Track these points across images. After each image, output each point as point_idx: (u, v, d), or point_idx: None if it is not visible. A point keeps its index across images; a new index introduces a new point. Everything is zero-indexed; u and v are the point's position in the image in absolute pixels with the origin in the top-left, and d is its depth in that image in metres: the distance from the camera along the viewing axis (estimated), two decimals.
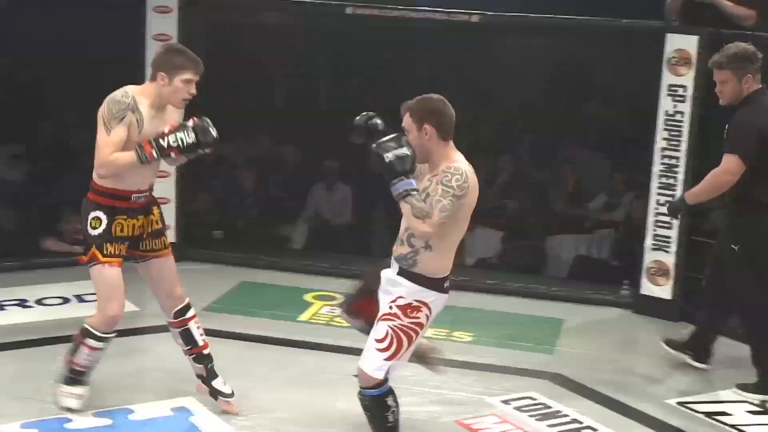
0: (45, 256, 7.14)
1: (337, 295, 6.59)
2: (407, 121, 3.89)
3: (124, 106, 4.15)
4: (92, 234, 4.29)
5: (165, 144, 4.14)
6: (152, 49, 6.94)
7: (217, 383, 4.59)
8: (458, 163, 3.84)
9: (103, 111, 4.18)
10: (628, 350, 6.03)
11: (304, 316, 6.15)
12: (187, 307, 4.58)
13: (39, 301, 6.17)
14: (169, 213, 7.12)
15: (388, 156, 3.75)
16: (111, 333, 4.41)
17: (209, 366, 4.60)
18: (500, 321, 6.30)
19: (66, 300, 6.27)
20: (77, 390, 4.45)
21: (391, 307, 3.93)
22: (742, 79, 4.91)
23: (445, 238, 3.87)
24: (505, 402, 4.92)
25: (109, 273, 4.31)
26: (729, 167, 4.88)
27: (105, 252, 4.29)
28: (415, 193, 3.77)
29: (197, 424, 4.47)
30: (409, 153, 3.76)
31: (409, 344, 3.94)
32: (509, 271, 7.43)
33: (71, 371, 4.44)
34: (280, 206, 8.49)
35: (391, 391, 4.03)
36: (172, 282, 4.55)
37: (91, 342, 4.37)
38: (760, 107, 4.95)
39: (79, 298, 6.31)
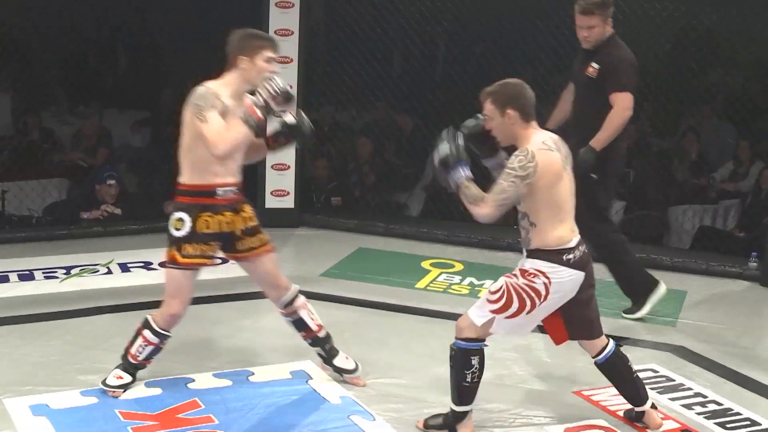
0: (167, 220, 7.29)
1: (455, 263, 6.58)
2: (489, 108, 3.92)
3: (211, 95, 4.11)
4: (174, 235, 4.24)
5: (261, 99, 4.05)
6: (276, 17, 7.03)
7: (338, 361, 4.57)
8: (529, 144, 3.85)
9: (191, 111, 4.14)
10: (754, 323, 5.82)
11: (420, 283, 6.15)
12: (296, 297, 4.52)
13: (163, 264, 6.30)
14: (288, 179, 7.24)
15: (435, 160, 3.97)
16: (168, 332, 4.37)
17: (327, 347, 4.58)
18: (620, 291, 6.15)
19: None
20: (123, 374, 4.40)
21: (513, 270, 3.98)
22: (606, 22, 5.34)
23: (540, 215, 3.88)
24: None
25: (179, 276, 4.28)
26: (626, 104, 5.27)
27: (183, 252, 4.24)
28: (463, 180, 3.94)
29: (315, 387, 4.50)
30: (448, 150, 3.93)
31: (521, 307, 3.89)
32: (630, 241, 7.25)
33: (126, 359, 4.42)
34: (397, 174, 8.49)
35: (480, 353, 3.98)
36: (274, 275, 4.48)
37: (146, 333, 4.35)
38: (623, 46, 5.39)
39: None
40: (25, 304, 5.50)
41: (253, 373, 4.62)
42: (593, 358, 4.17)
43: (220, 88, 4.17)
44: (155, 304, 4.58)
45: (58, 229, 6.99)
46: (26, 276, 6.01)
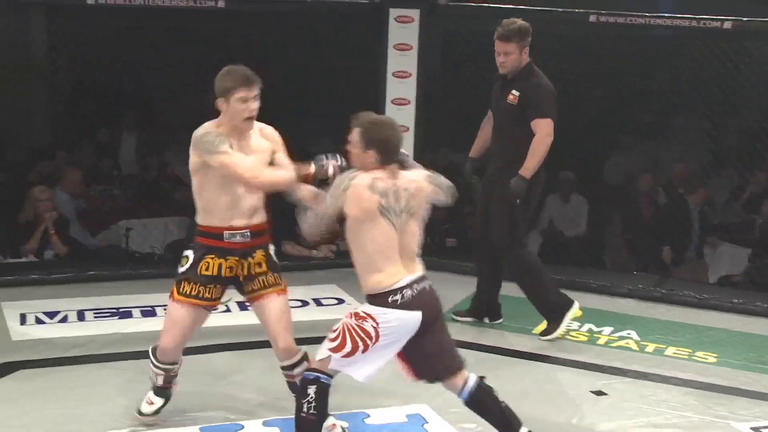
0: (284, 260, 7.32)
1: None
2: (355, 137, 3.92)
3: (215, 133, 4.12)
4: (178, 270, 4.31)
5: (324, 167, 4.18)
6: (394, 59, 7.06)
7: None
8: (363, 176, 3.87)
9: (199, 153, 4.13)
10: None
11: (537, 329, 6.03)
12: (297, 364, 4.38)
13: None
14: None
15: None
16: (166, 364, 4.42)
17: None
18: (747, 342, 5.96)
19: (305, 303, 6.44)
20: (155, 399, 4.48)
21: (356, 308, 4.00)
22: (523, 51, 5.50)
23: (355, 256, 3.92)
24: (755, 429, 4.63)
25: (176, 310, 4.31)
26: (549, 130, 5.48)
27: (180, 290, 4.27)
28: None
29: (431, 431, 4.45)
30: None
31: (354, 348, 3.88)
32: (757, 290, 7.03)
33: (153, 383, 4.51)
34: None
35: (317, 384, 3.95)
36: (280, 327, 4.34)
37: (152, 360, 4.46)
38: (542, 75, 5.60)
39: (317, 302, 6.48)
40: (147, 340, 5.55)
41: (369, 416, 4.60)
42: (458, 396, 4.05)
43: (216, 130, 4.18)
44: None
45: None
46: (148, 312, 6.12)
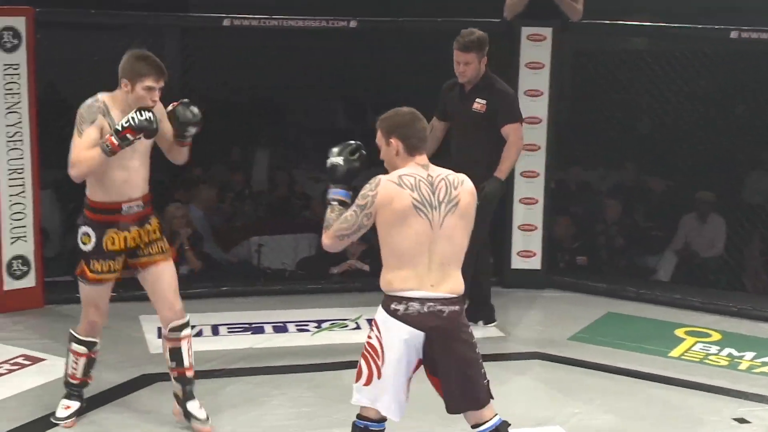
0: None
1: (712, 332, 6.25)
2: (378, 135, 3.71)
3: (95, 109, 4.22)
4: (82, 250, 4.37)
5: (120, 128, 4.14)
6: (525, 77, 6.99)
7: (191, 406, 4.55)
8: (387, 176, 3.61)
9: (76, 119, 4.25)
10: None
11: (675, 352, 5.86)
12: (185, 326, 4.55)
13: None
14: (536, 240, 7.12)
15: (327, 162, 3.78)
16: (93, 338, 4.53)
17: (188, 389, 4.57)
18: None
19: None
20: (70, 403, 4.58)
21: None
22: (481, 61, 5.68)
23: (382, 251, 3.60)
24: None
25: (94, 291, 4.42)
26: (521, 134, 5.75)
27: (92, 269, 4.35)
28: (335, 203, 3.69)
29: None
30: (340, 163, 3.72)
31: (369, 372, 3.59)
32: None
33: (66, 383, 4.60)
34: (646, 236, 8.22)
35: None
36: (172, 291, 4.52)
37: (74, 346, 4.52)
38: (502, 82, 5.86)
39: None
40: (280, 356, 5.66)
41: None
42: (472, 427, 3.73)
43: (109, 102, 4.27)
44: None
45: (310, 283, 7.18)
46: (280, 328, 6.19)
